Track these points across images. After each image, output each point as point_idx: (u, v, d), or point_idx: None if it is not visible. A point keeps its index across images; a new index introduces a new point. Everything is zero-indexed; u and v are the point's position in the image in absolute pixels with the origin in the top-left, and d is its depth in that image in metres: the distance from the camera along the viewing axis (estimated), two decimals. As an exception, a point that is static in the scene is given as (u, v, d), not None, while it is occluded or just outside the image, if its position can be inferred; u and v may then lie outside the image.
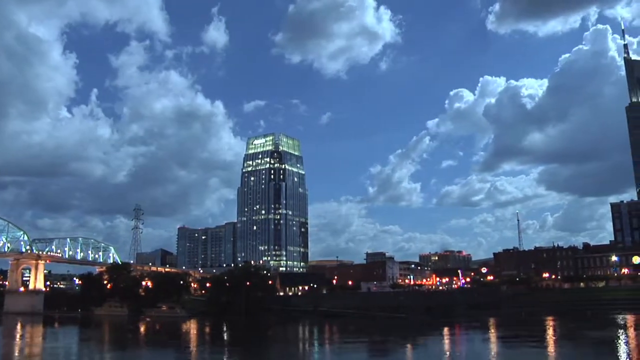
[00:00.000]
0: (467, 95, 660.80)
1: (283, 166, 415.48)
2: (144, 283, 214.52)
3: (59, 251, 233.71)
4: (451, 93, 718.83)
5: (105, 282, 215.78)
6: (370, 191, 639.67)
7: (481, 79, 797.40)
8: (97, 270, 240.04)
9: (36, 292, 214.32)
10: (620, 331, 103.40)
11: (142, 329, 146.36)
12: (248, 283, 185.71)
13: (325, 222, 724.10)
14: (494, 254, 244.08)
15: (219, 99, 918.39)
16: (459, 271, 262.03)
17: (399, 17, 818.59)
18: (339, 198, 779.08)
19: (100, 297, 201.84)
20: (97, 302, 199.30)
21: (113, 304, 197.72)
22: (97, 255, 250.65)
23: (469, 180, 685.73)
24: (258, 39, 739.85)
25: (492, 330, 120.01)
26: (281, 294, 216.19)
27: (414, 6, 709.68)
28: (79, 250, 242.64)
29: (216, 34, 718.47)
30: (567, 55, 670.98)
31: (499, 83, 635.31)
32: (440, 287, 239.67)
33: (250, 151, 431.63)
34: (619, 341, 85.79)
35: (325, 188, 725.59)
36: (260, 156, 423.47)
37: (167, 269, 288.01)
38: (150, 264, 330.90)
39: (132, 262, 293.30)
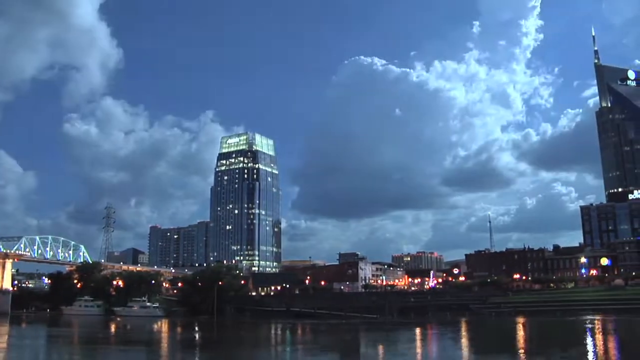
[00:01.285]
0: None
1: (257, 165, 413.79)
2: (115, 282, 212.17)
3: (27, 250, 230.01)
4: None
5: (75, 281, 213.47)
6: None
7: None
8: (67, 269, 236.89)
9: (3, 291, 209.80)
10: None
11: (112, 328, 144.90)
12: (220, 283, 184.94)
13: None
14: (466, 255, 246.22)
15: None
16: (430, 272, 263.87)
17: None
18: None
19: (70, 297, 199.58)
20: (66, 301, 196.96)
21: (83, 303, 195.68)
22: (67, 254, 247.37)
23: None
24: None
25: (462, 331, 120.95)
26: (253, 293, 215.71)
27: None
28: (48, 249, 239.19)
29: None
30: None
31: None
32: (413, 288, 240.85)
33: (224, 150, 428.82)
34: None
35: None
36: (234, 155, 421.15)
37: (138, 268, 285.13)
38: (121, 263, 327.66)
39: (102, 261, 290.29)
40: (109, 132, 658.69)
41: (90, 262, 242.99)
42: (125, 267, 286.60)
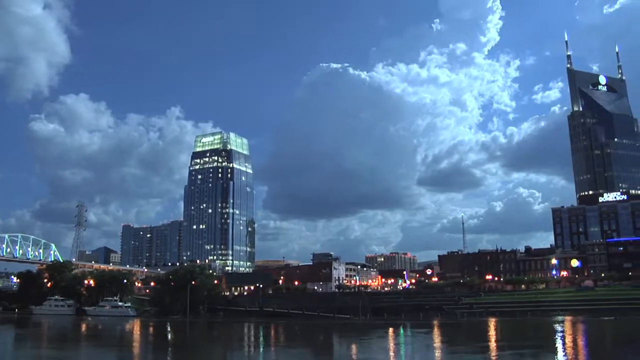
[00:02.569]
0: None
1: (231, 165, 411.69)
2: (86, 282, 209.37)
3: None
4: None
5: (45, 280, 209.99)
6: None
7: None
8: (37, 268, 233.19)
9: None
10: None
11: (83, 328, 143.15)
12: (193, 282, 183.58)
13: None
14: (439, 256, 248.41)
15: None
16: (404, 273, 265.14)
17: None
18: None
19: (39, 296, 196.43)
20: (36, 301, 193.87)
21: (53, 302, 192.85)
22: (37, 253, 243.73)
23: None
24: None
25: (434, 331, 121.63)
26: (227, 293, 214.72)
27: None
28: (17, 248, 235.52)
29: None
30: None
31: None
32: (386, 288, 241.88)
33: (198, 149, 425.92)
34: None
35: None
36: (208, 154, 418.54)
37: (110, 267, 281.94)
38: (93, 262, 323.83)
39: (74, 260, 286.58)
40: (73, 130, 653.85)
41: (62, 261, 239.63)
42: (97, 266, 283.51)
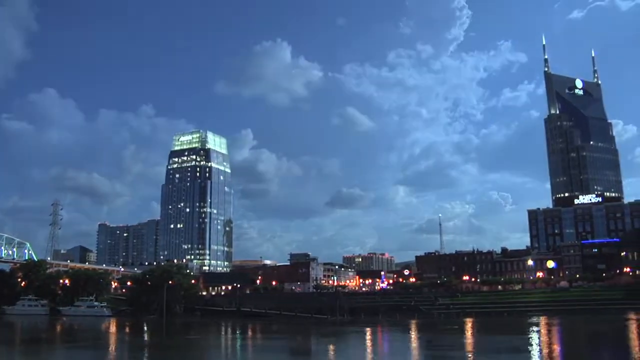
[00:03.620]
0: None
1: (209, 164, 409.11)
2: (61, 281, 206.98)
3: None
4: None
5: (19, 279, 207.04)
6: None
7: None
8: (10, 267, 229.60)
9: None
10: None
11: (58, 328, 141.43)
12: (170, 282, 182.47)
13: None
14: (416, 257, 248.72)
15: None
16: (381, 273, 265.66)
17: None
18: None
19: (13, 296, 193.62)
20: (9, 301, 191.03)
21: (27, 302, 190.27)
22: (10, 252, 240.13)
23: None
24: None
25: (411, 331, 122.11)
26: (204, 293, 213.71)
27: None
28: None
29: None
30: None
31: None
32: (364, 289, 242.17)
33: (176, 147, 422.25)
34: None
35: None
36: (186, 153, 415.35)
37: (86, 267, 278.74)
38: (68, 261, 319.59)
39: (48, 259, 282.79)
40: (42, 127, 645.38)
41: (36, 259, 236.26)
42: (72, 265, 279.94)
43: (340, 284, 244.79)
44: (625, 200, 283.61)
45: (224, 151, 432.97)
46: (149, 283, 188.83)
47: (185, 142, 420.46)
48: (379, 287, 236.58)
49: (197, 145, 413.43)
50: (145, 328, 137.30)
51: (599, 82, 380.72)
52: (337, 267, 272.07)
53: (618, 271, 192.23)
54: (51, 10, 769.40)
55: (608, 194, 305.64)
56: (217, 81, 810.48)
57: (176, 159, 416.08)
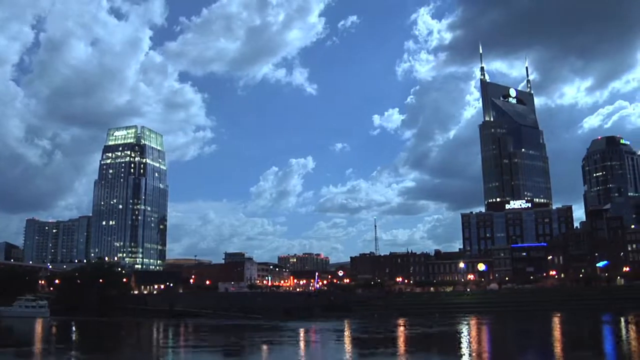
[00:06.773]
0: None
1: (144, 160, 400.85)
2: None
3: None
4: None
5: None
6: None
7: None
8: None
9: None
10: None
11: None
12: (101, 280, 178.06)
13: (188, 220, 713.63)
14: (351, 257, 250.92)
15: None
16: (316, 273, 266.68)
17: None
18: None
19: None
20: None
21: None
22: None
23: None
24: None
25: (345, 331, 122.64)
26: (136, 292, 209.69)
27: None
28: None
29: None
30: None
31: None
32: (298, 289, 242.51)
33: (110, 142, 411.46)
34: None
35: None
36: (120, 148, 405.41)
37: (12, 264, 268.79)
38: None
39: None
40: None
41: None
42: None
43: (275, 284, 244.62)
44: (554, 206, 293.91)
45: (160, 148, 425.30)
46: (79, 281, 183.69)
47: (120, 137, 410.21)
48: (313, 288, 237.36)
49: (132, 140, 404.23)
50: (74, 328, 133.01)
51: (532, 91, 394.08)
52: (272, 267, 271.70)
53: (545, 274, 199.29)
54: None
55: (537, 199, 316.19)
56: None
57: (110, 154, 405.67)
